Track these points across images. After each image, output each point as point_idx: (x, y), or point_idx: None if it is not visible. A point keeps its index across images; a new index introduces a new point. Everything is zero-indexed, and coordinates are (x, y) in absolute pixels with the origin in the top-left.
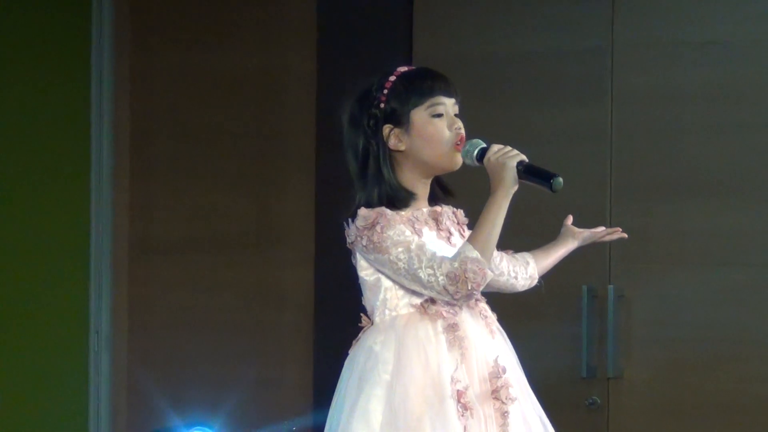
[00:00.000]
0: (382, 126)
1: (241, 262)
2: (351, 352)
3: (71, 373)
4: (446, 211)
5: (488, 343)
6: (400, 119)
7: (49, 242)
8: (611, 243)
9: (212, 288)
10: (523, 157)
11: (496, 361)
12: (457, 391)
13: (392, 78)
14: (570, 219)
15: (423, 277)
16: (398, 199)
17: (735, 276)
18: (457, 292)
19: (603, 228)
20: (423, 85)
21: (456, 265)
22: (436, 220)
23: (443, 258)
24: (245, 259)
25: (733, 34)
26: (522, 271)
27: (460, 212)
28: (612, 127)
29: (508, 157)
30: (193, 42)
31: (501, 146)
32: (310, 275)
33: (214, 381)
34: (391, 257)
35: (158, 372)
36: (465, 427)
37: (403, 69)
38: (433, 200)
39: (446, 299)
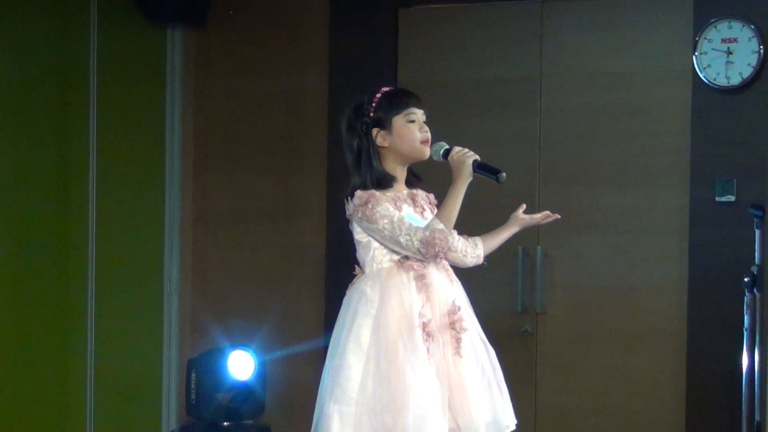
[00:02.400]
0: (372, 129)
1: (272, 228)
2: (348, 293)
3: (150, 309)
4: (421, 193)
5: (448, 288)
6: (384, 124)
7: (134, 215)
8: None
9: (252, 247)
10: (477, 157)
11: (453, 302)
12: (423, 322)
13: (378, 95)
14: (523, 207)
15: (402, 241)
16: (384, 181)
17: (629, 240)
18: (428, 252)
19: (541, 214)
20: (401, 100)
21: (427, 233)
22: (413, 199)
23: (417, 228)
24: (276, 227)
25: (631, 66)
26: (471, 252)
27: (431, 196)
28: (540, 133)
29: (466, 156)
30: (238, 70)
31: (461, 148)
32: (322, 238)
33: (251, 314)
34: (379, 227)
35: (212, 308)
36: (428, 349)
37: (386, 89)
38: (410, 186)
39: (419, 258)
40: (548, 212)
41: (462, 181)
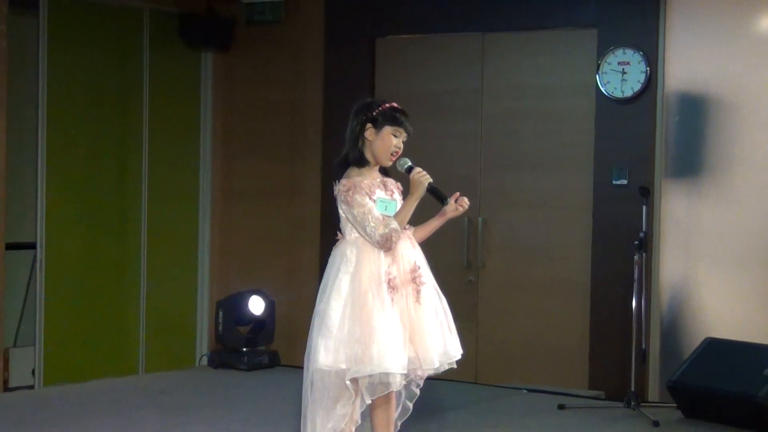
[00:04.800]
0: (367, 122)
1: (280, 203)
2: (333, 253)
3: (188, 263)
4: (391, 181)
5: (410, 251)
6: (377, 125)
7: (176, 192)
8: (481, 193)
9: (265, 217)
10: (431, 180)
11: (414, 262)
12: (389, 278)
13: (387, 105)
14: (455, 196)
15: (368, 230)
16: (361, 162)
17: (548, 212)
18: (384, 245)
19: (454, 203)
20: (398, 118)
21: (387, 231)
22: (384, 185)
23: (381, 222)
24: (283, 201)
25: (550, 82)
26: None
27: (399, 184)
28: (482, 131)
29: (424, 178)
30: (255, 83)
31: (420, 169)
32: (318, 211)
33: (264, 268)
34: (354, 211)
35: (235, 262)
36: (392, 299)
37: (394, 104)
38: (384, 175)
39: (377, 247)
40: (458, 193)
41: (417, 196)
